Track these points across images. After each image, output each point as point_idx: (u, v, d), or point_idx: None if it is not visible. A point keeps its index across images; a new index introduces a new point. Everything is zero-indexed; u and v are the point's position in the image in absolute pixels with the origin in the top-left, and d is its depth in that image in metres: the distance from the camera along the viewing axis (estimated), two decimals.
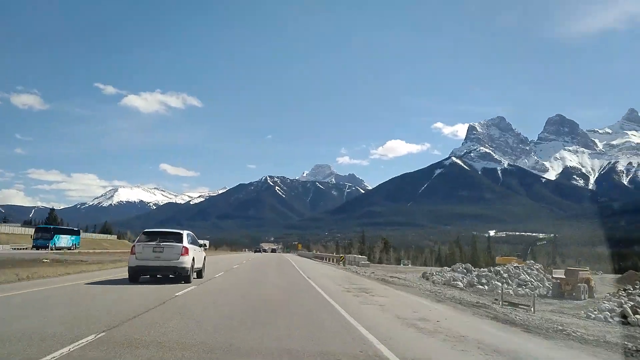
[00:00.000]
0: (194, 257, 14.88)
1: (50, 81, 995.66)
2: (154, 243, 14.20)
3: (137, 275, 14.18)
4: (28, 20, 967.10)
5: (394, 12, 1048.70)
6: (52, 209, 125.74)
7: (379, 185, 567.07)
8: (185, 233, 15.21)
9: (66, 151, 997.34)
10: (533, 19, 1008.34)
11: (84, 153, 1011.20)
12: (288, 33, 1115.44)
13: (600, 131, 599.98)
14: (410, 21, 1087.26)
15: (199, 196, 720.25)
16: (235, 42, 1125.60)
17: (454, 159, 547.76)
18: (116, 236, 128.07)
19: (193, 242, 15.68)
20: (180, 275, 14.17)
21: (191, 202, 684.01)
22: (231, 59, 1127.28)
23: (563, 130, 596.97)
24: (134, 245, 14.61)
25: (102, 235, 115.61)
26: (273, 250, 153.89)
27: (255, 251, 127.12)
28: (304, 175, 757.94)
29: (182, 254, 14.04)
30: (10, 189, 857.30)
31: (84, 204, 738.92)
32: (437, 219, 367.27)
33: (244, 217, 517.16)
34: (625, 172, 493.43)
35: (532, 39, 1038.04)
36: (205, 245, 34.25)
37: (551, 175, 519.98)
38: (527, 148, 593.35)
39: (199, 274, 16.23)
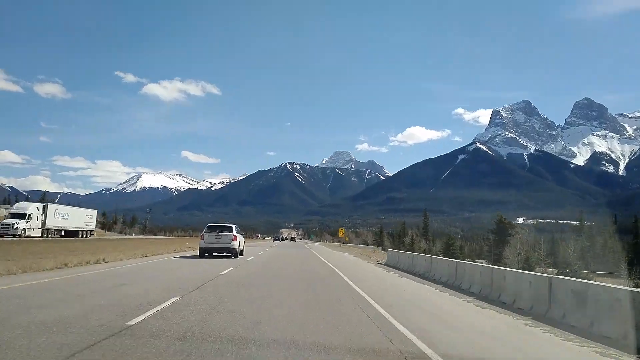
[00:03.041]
0: (239, 242, 22.26)
1: (72, 70, 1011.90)
2: (215, 232, 21.33)
3: (204, 253, 21.45)
4: (47, 10, 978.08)
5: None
6: None
7: (400, 171, 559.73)
8: (234, 226, 22.46)
9: (90, 139, 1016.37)
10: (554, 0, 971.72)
11: (107, 141, 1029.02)
12: (306, 20, 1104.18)
13: (630, 115, 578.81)
14: (428, 6, 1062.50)
15: (220, 182, 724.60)
16: (253, 30, 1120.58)
17: (477, 144, 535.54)
18: None
19: (238, 231, 22.56)
20: (232, 253, 21.35)
21: (212, 188, 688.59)
22: (249, 46, 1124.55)
23: (591, 114, 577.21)
24: (202, 234, 21.83)
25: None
26: (292, 239, 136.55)
27: (275, 239, 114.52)
28: (323, 162, 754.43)
29: (233, 240, 21.16)
30: (37, 176, 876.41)
31: (109, 189, 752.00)
32: (461, 206, 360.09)
33: (263, 203, 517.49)
34: None
35: (555, 20, 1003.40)
36: (244, 234, 33.30)
37: (579, 161, 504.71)
38: (554, 133, 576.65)
39: (241, 252, 23.48)
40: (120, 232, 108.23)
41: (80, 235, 53.00)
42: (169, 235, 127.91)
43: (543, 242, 43.25)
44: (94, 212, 60.36)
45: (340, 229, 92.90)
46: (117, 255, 18.83)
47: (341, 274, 15.54)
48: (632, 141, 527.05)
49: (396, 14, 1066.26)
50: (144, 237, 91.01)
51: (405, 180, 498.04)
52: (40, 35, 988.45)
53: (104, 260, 16.38)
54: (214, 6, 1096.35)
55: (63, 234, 49.95)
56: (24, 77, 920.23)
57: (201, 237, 21.75)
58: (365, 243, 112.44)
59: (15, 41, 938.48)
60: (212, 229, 21.60)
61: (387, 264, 24.01)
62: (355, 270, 18.76)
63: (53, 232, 47.96)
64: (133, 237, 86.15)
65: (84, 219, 55.79)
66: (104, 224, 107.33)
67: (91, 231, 57.71)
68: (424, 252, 55.84)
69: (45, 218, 45.91)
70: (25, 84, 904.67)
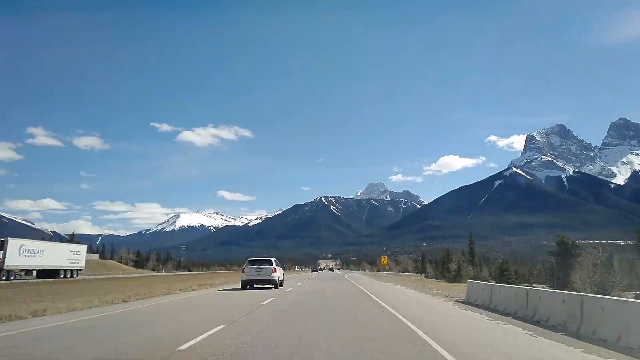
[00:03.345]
0: (279, 274, 24.06)
1: (108, 124, 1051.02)
2: (255, 265, 23.03)
3: (247, 285, 23.07)
4: (83, 69, 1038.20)
5: (438, 26, 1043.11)
6: None
7: (436, 199, 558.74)
8: (273, 259, 24.27)
9: (129, 184, 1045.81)
10: (578, 23, 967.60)
11: (145, 185, 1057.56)
12: (333, 55, 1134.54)
13: None
14: (457, 36, 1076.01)
15: (257, 218, 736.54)
16: (280, 73, 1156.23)
17: (514, 169, 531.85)
18: (97, 255, 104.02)
19: (277, 264, 24.22)
20: (273, 285, 23.12)
21: (249, 224, 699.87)
22: (279, 87, 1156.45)
23: (628, 134, 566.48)
24: (244, 267, 23.62)
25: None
26: (331, 269, 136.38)
27: (312, 270, 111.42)
28: (358, 194, 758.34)
29: (273, 272, 22.90)
30: (78, 220, 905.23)
31: (149, 229, 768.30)
32: (501, 230, 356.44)
33: (300, 236, 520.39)
34: None
35: (583, 46, 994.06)
36: (283, 266, 33.29)
37: (619, 180, 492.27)
38: (592, 154, 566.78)
39: (281, 284, 25.28)
40: (153, 269, 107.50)
41: (62, 275, 45.24)
42: (205, 271, 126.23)
43: (617, 263, 38.86)
44: (82, 248, 52.97)
45: (382, 256, 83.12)
46: (79, 303, 13.99)
47: (431, 341, 7.36)
48: None
49: (424, 46, 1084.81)
50: (176, 273, 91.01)
51: (441, 208, 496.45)
52: (77, 92, 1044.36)
53: (44, 311, 11.91)
54: (236, 56, 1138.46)
55: (35, 274, 41.91)
56: (63, 132, 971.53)
57: (242, 270, 23.55)
58: (405, 271, 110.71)
59: (54, 100, 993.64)
60: (252, 262, 23.38)
61: (470, 302, 16.28)
62: (440, 322, 10.77)
63: (19, 273, 39.83)
64: (163, 273, 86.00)
65: (68, 255, 47.05)
66: (137, 261, 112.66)
67: (79, 270, 49.65)
68: (473, 279, 41.11)
69: (4, 256, 37.09)
70: (65, 138, 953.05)
